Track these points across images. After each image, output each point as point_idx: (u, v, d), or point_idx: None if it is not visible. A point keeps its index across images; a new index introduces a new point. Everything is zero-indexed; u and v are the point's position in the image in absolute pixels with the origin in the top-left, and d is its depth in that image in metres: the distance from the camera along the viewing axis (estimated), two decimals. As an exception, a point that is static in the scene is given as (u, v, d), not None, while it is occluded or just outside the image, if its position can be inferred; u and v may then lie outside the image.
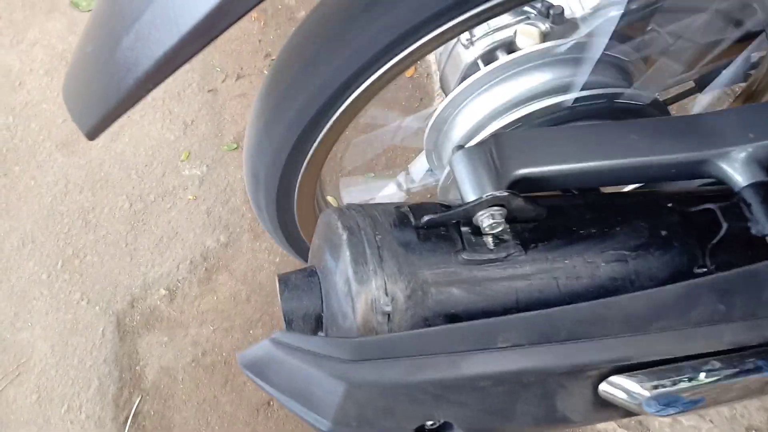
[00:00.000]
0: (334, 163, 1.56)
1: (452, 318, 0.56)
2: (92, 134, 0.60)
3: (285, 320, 0.58)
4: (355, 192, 1.17)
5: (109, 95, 0.56)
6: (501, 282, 0.57)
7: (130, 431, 1.35)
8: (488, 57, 0.90)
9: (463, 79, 0.94)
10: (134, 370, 1.42)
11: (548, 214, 0.60)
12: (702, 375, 0.57)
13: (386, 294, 0.54)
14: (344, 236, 0.56)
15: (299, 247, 1.02)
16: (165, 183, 1.64)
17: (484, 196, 0.55)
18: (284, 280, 0.59)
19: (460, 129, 0.88)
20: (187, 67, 1.71)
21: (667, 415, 0.58)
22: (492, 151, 0.60)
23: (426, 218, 0.56)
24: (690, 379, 0.57)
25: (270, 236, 1.03)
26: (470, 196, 0.58)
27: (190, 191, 1.62)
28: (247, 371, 0.51)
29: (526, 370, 0.52)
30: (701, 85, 1.07)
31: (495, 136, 0.61)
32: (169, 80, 1.73)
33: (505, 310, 0.57)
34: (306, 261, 1.14)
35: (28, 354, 1.44)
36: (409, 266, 0.55)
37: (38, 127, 1.76)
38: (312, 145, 0.82)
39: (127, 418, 1.36)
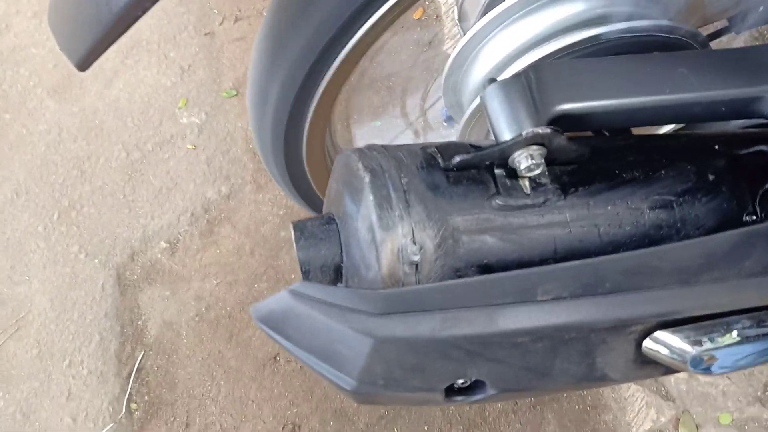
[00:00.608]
0: (342, 112, 1.50)
1: (485, 269, 0.51)
2: (83, 64, 0.54)
3: (302, 271, 0.53)
4: (364, 133, 1.10)
5: (99, 19, 0.50)
6: (538, 230, 0.52)
7: (134, 387, 1.32)
8: (513, -12, 0.83)
9: (486, 11, 0.87)
10: (136, 325, 1.38)
11: (589, 156, 0.55)
12: (753, 331, 0.53)
13: (414, 242, 0.49)
14: (366, 178, 0.51)
15: (310, 199, 0.97)
16: (162, 131, 1.57)
17: (523, 133, 0.49)
18: (300, 227, 0.54)
19: (483, 66, 0.82)
20: (182, 8, 1.61)
21: (713, 375, 0.54)
22: (530, 84, 0.54)
23: (457, 159, 0.51)
24: (740, 336, 0.52)
25: (278, 186, 0.97)
26: (505, 134, 0.52)
27: (189, 140, 1.55)
28: (262, 325, 0.47)
29: (567, 325, 0.47)
30: (736, 23, 1.00)
31: (533, 67, 0.55)
32: (164, 22, 1.64)
33: (542, 260, 0.52)
34: (314, 209, 1.09)
35: (27, 308, 1.40)
36: (438, 212, 0.50)
37: (28, 72, 1.67)
38: (323, 79, 0.75)
39: (130, 374, 1.33)
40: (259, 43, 0.79)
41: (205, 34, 1.69)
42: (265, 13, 1.71)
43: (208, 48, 1.67)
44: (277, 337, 0.46)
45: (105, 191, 1.51)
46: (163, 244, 1.45)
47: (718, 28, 1.02)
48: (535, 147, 0.51)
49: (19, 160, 1.56)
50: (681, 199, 0.57)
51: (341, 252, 0.53)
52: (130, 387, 1.33)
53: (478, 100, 0.80)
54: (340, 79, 0.78)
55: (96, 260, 1.44)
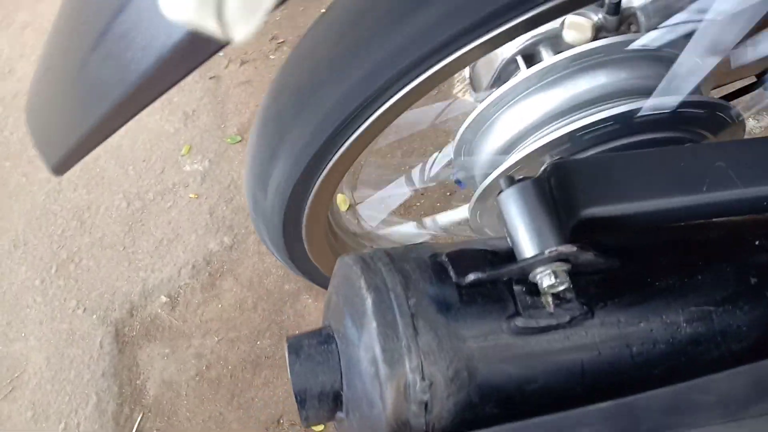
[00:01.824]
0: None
1: (505, 402, 0.45)
2: (59, 169, 0.49)
3: (297, 399, 0.47)
4: (366, 206, 1.06)
5: (77, 126, 0.45)
6: (564, 354, 0.46)
7: (131, 451, 1.26)
8: (529, 52, 0.78)
9: (499, 76, 0.82)
10: (134, 385, 1.33)
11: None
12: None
13: (423, 378, 0.43)
14: (369, 300, 0.45)
15: (310, 272, 0.92)
16: (164, 180, 1.53)
17: (546, 252, 0.44)
18: (295, 347, 0.49)
19: (496, 139, 0.77)
20: (186, 53, 1.56)
21: None
22: (551, 186, 0.48)
23: (472, 277, 0.45)
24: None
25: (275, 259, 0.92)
26: (525, 245, 0.47)
27: (192, 189, 1.51)
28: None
29: (601, 476, 0.41)
30: (763, 78, 0.94)
31: (555, 165, 0.49)
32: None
33: (568, 388, 0.46)
34: (317, 284, 1.04)
35: (22, 367, 1.35)
36: (450, 339, 0.44)
37: (29, 119, 1.64)
38: (327, 164, 0.70)
39: (127, 437, 1.28)
40: (258, 129, 0.74)
41: (210, 78, 1.65)
42: (271, 57, 1.67)
43: (213, 92, 1.63)
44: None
45: (104, 243, 1.46)
46: (164, 299, 1.40)
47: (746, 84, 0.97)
48: (558, 263, 0.45)
49: (18, 210, 1.52)
50: (720, 309, 0.51)
51: (341, 377, 0.48)
52: (127, 451, 1.27)
53: (490, 179, 0.75)
54: (342, 168, 0.73)
55: (94, 316, 1.39)
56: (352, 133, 0.62)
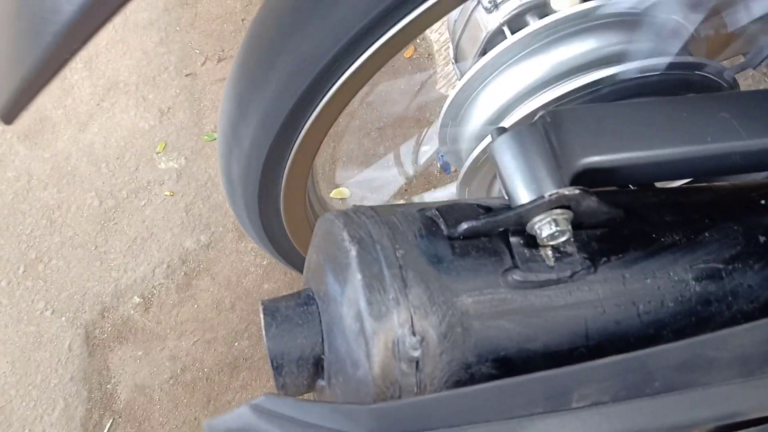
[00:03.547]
0: (326, 155, 1.41)
1: (503, 362, 0.41)
2: (7, 116, 0.44)
3: (272, 365, 0.43)
4: (353, 183, 1.01)
5: (22, 61, 0.40)
6: (566, 310, 0.42)
7: (101, 459, 1.19)
8: (515, 22, 0.75)
9: (485, 50, 0.79)
10: (105, 389, 1.26)
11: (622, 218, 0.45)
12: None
13: (413, 333, 0.39)
14: (353, 252, 0.41)
15: (291, 257, 0.87)
16: (139, 177, 1.47)
17: (546, 195, 0.40)
18: (271, 309, 0.44)
19: (484, 111, 0.73)
20: (162, 48, 1.53)
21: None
22: (549, 134, 0.45)
23: (464, 226, 0.41)
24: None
25: (255, 244, 0.88)
26: (522, 194, 0.43)
27: (167, 186, 1.46)
28: (217, 448, 0.36)
29: (611, 438, 0.37)
30: (753, 57, 0.93)
31: (552, 113, 0.46)
32: (143, 63, 1.55)
33: (572, 348, 0.42)
34: (300, 270, 0.99)
35: (-15, 372, 1.28)
36: (443, 292, 0.40)
37: (-3, 116, 1.58)
38: (301, 128, 0.66)
39: (96, 444, 1.21)
40: (230, 83, 0.70)
41: (186, 75, 1.61)
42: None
43: (189, 89, 1.59)
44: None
45: (75, 242, 1.40)
46: (137, 299, 1.34)
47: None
48: (559, 210, 0.41)
49: (-16, 210, 1.45)
50: (730, 267, 0.48)
51: (322, 341, 0.43)
52: (97, 460, 1.20)
53: (478, 150, 0.72)
54: (323, 125, 0.69)
55: (63, 318, 1.32)
56: (330, 87, 0.58)
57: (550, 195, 0.40)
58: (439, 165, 0.96)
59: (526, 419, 0.36)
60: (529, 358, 0.41)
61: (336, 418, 0.34)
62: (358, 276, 0.40)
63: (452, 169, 0.88)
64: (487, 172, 0.75)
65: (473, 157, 0.70)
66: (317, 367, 0.43)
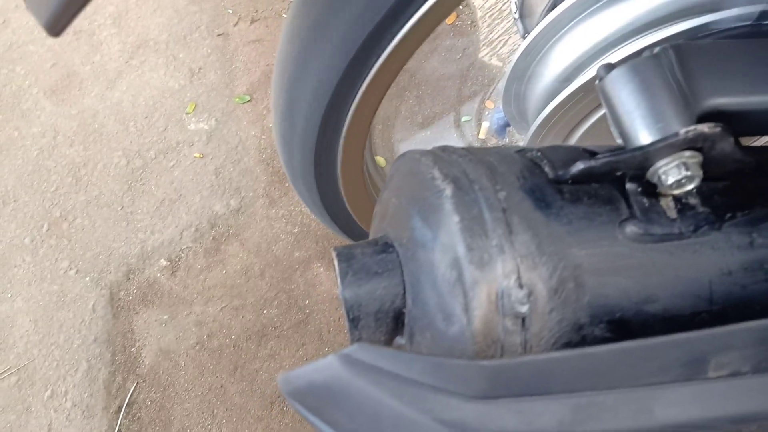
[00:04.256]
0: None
1: (618, 326, 0.35)
2: (53, 26, 0.39)
3: (348, 317, 0.38)
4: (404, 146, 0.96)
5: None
6: (689, 270, 0.37)
7: (123, 423, 1.16)
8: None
9: (554, 3, 0.73)
10: (129, 352, 1.22)
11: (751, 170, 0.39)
12: None
13: (520, 285, 0.33)
14: (447, 191, 0.35)
15: (347, 226, 0.82)
16: (167, 138, 1.42)
17: (681, 132, 0.34)
18: (346, 255, 0.39)
19: (556, 64, 0.67)
20: (194, 7, 1.47)
21: None
22: (674, 68, 0.39)
23: (580, 166, 0.35)
24: None
25: (309, 211, 0.82)
26: (642, 134, 0.37)
27: (197, 148, 1.41)
28: (295, 402, 0.31)
29: (752, 414, 0.32)
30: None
31: (675, 47, 0.40)
32: (174, 21, 1.50)
33: (694, 314, 0.37)
34: (351, 238, 0.93)
35: (8, 329, 1.25)
36: (553, 242, 0.35)
37: (24, 71, 1.54)
38: (366, 76, 0.61)
39: (120, 408, 1.17)
40: (286, 36, 0.65)
41: (219, 35, 1.55)
42: (284, 15, 1.57)
43: (221, 50, 1.53)
44: (317, 422, 0.31)
45: (101, 202, 1.36)
46: (163, 262, 1.30)
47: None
48: (689, 153, 0.36)
49: (9, 165, 1.42)
50: None
51: (404, 293, 0.38)
52: (119, 423, 1.16)
53: (550, 108, 0.65)
54: (382, 84, 0.64)
55: (87, 278, 1.29)
56: (397, 31, 0.52)
57: (686, 131, 0.34)
58: (493, 128, 0.90)
59: (657, 388, 0.31)
60: (647, 323, 0.36)
61: (441, 375, 0.29)
62: (456, 218, 0.34)
63: (507, 131, 0.82)
64: (557, 134, 0.69)
65: (545, 115, 0.64)
66: (397, 322, 0.38)
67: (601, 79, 0.41)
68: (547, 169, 0.38)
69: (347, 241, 1.01)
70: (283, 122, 0.69)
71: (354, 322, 0.38)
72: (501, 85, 0.74)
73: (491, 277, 0.33)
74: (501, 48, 1.35)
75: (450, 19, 1.51)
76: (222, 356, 1.21)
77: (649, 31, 0.63)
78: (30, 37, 1.59)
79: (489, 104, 1.26)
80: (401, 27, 0.56)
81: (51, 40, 1.58)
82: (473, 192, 0.35)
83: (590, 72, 0.63)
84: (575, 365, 0.30)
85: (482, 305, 0.33)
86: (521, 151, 0.40)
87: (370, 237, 0.45)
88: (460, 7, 1.51)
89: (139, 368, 1.21)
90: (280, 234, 1.31)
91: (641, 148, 0.35)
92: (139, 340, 1.23)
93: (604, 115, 0.58)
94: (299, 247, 1.30)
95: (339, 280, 0.38)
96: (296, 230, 1.31)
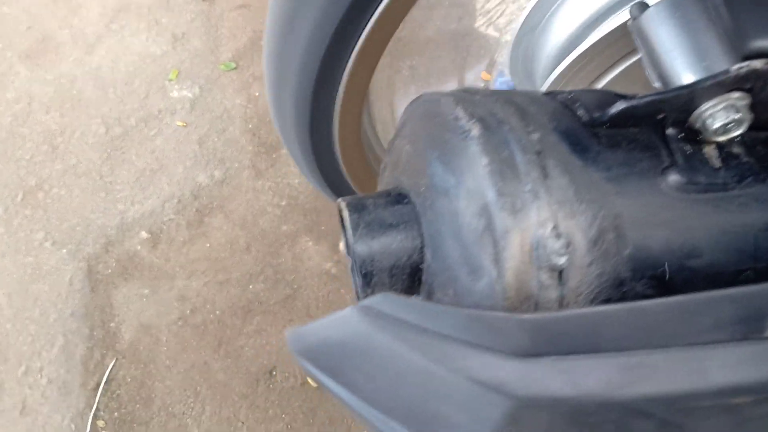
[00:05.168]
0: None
1: (661, 281, 0.32)
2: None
3: (360, 273, 0.34)
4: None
5: None
6: (733, 223, 0.34)
7: (102, 400, 1.12)
8: None
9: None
10: (108, 327, 1.18)
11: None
12: None
13: (557, 235, 0.30)
14: (474, 131, 0.32)
15: (341, 192, 0.78)
16: (149, 105, 1.37)
17: (732, 68, 0.31)
18: (356, 206, 0.35)
19: (568, 23, 0.64)
20: (178, -31, 1.38)
21: None
22: (718, 5, 0.35)
23: (621, 106, 0.32)
24: None
25: (302, 174, 0.78)
26: (685, 75, 0.34)
27: (179, 116, 1.35)
28: (306, 362, 0.28)
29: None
30: None
31: (719, -20, 0.36)
32: (157, -20, 1.40)
33: (738, 271, 0.34)
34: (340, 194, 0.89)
35: (-21, 303, 1.19)
36: (592, 189, 0.31)
37: (-3, 33, 1.47)
38: (357, 38, 0.57)
39: (98, 385, 1.13)
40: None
41: (203, 0, 1.49)
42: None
43: (206, 15, 1.47)
44: (331, 384, 0.27)
45: (79, 170, 1.30)
46: (144, 235, 1.25)
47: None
48: (737, 95, 0.32)
49: (-19, 131, 1.35)
50: None
51: (422, 247, 0.34)
52: (97, 401, 1.12)
53: (562, 67, 0.62)
54: (381, 36, 0.60)
55: (64, 250, 1.23)
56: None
57: (738, 67, 0.31)
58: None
59: (711, 348, 0.28)
60: (691, 279, 0.32)
61: (477, 330, 0.25)
62: (484, 160, 0.31)
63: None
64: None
65: (558, 73, 0.61)
66: (413, 278, 0.35)
67: (635, 18, 0.37)
68: (580, 112, 0.34)
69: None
70: (275, 80, 0.65)
71: (366, 278, 0.34)
72: (498, 56, 0.71)
73: (525, 225, 0.30)
74: (498, 18, 1.31)
75: (444, -11, 1.46)
76: (206, 332, 1.17)
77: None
78: (3, -1, 1.51)
79: (485, 76, 1.22)
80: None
81: (26, 2, 1.50)
82: (502, 132, 0.32)
83: (608, 25, 0.59)
84: (624, 321, 0.27)
85: (515, 256, 0.30)
86: (550, 94, 0.36)
87: (382, 183, 0.41)
88: (455, -24, 1.47)
89: (119, 344, 1.17)
90: (267, 207, 1.27)
91: (688, 86, 0.32)
92: (118, 315, 1.19)
93: (627, 68, 0.55)
94: (287, 220, 1.25)
95: (349, 232, 0.34)
96: (283, 203, 1.27)
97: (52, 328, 1.17)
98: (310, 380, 1.12)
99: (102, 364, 1.15)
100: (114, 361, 1.15)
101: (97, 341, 1.17)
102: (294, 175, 1.28)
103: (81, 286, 1.21)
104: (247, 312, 1.18)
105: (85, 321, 1.18)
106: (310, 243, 1.23)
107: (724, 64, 0.34)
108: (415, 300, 0.26)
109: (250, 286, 1.20)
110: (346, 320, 0.26)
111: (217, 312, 1.18)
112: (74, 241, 1.24)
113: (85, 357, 1.15)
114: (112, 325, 1.18)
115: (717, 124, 0.33)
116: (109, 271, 1.22)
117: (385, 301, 0.26)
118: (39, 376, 1.13)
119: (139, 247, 1.24)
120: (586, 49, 0.56)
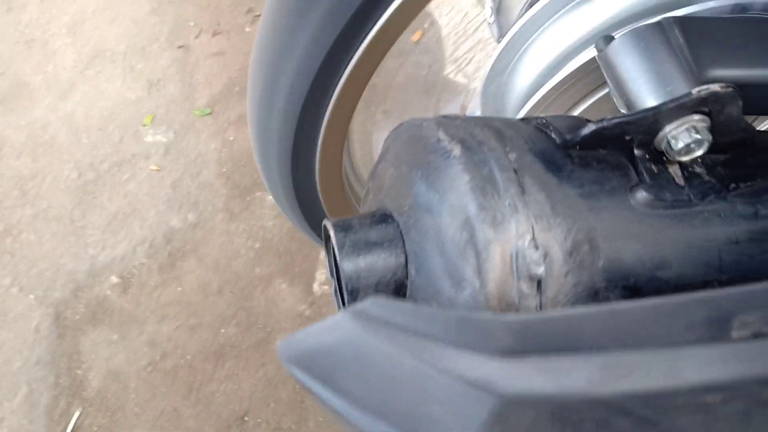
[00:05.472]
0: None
1: (633, 291, 0.34)
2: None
3: (345, 289, 0.35)
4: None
5: None
6: (699, 237, 0.36)
7: (66, 451, 1.08)
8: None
9: (532, 2, 0.73)
10: (74, 375, 1.14)
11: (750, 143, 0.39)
12: None
13: (535, 246, 0.31)
14: (456, 151, 0.34)
15: (318, 223, 0.79)
16: (122, 150, 1.37)
17: (694, 91, 0.34)
18: (343, 226, 0.36)
19: (537, 61, 0.67)
20: (154, 18, 1.44)
21: None
22: (678, 37, 0.39)
23: (591, 127, 0.34)
24: None
25: (284, 214, 0.79)
26: (647, 99, 0.37)
27: (153, 161, 1.36)
28: (295, 369, 0.28)
29: (776, 378, 0.30)
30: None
31: (677, 18, 0.40)
32: (133, 32, 1.46)
33: (705, 282, 0.36)
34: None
35: (-62, 351, 1.15)
36: (567, 204, 0.33)
37: (-32, 79, 1.46)
38: (336, 85, 0.60)
39: (62, 434, 1.09)
40: (262, 30, 0.63)
41: (179, 47, 1.52)
42: (247, 30, 1.55)
43: (181, 62, 1.50)
44: (324, 392, 0.28)
45: (49, 215, 1.29)
46: (114, 279, 1.23)
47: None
48: (698, 117, 0.35)
49: (-52, 176, 1.33)
50: None
51: (405, 264, 0.36)
52: (61, 452, 1.08)
53: (532, 103, 0.65)
54: (361, 77, 0.62)
55: (32, 295, 1.21)
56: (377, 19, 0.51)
57: (698, 90, 0.33)
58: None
59: (683, 348, 0.29)
60: (661, 290, 0.34)
61: (465, 331, 0.26)
62: (466, 177, 0.32)
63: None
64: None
65: (528, 109, 0.64)
66: (398, 294, 0.36)
67: (601, 51, 0.40)
68: (553, 135, 0.36)
69: (320, 248, 0.97)
70: (259, 116, 0.67)
71: (353, 295, 0.35)
72: (467, 101, 0.74)
73: (505, 237, 0.31)
74: (466, 66, 1.37)
75: (415, 37, 1.52)
76: (176, 378, 1.14)
77: (637, 22, 0.63)
78: (-24, 45, 1.52)
79: (455, 120, 1.26)
80: (380, 15, 0.55)
81: (1, 46, 1.51)
82: (482, 152, 0.34)
83: (578, 60, 0.62)
84: (604, 321, 0.28)
85: (496, 267, 0.31)
86: (525, 119, 0.38)
87: (365, 206, 0.43)
88: (425, 25, 1.53)
89: (86, 392, 1.13)
90: (240, 249, 1.26)
91: (653, 108, 0.34)
92: (86, 362, 1.16)
93: (593, 102, 0.58)
94: (260, 263, 1.25)
95: (335, 251, 0.35)
96: (257, 245, 1.27)
97: (16, 376, 1.13)
98: (283, 426, 1.10)
99: (68, 413, 1.11)
100: (80, 410, 1.11)
101: (63, 389, 1.13)
102: (268, 217, 1.29)
103: (48, 333, 1.17)
104: (219, 356, 1.16)
105: (51, 368, 1.14)
106: (284, 285, 1.23)
107: (686, 89, 0.36)
108: (404, 303, 0.27)
109: (222, 330, 1.19)
110: (337, 325, 0.27)
111: (188, 357, 1.16)
112: (42, 286, 1.22)
113: (50, 406, 1.11)
114: (79, 372, 1.15)
115: (680, 145, 0.35)
116: (78, 316, 1.19)
117: (375, 305, 0.27)
118: (0, 427, 1.09)
119: (109, 292, 1.22)
120: (554, 86, 0.59)
